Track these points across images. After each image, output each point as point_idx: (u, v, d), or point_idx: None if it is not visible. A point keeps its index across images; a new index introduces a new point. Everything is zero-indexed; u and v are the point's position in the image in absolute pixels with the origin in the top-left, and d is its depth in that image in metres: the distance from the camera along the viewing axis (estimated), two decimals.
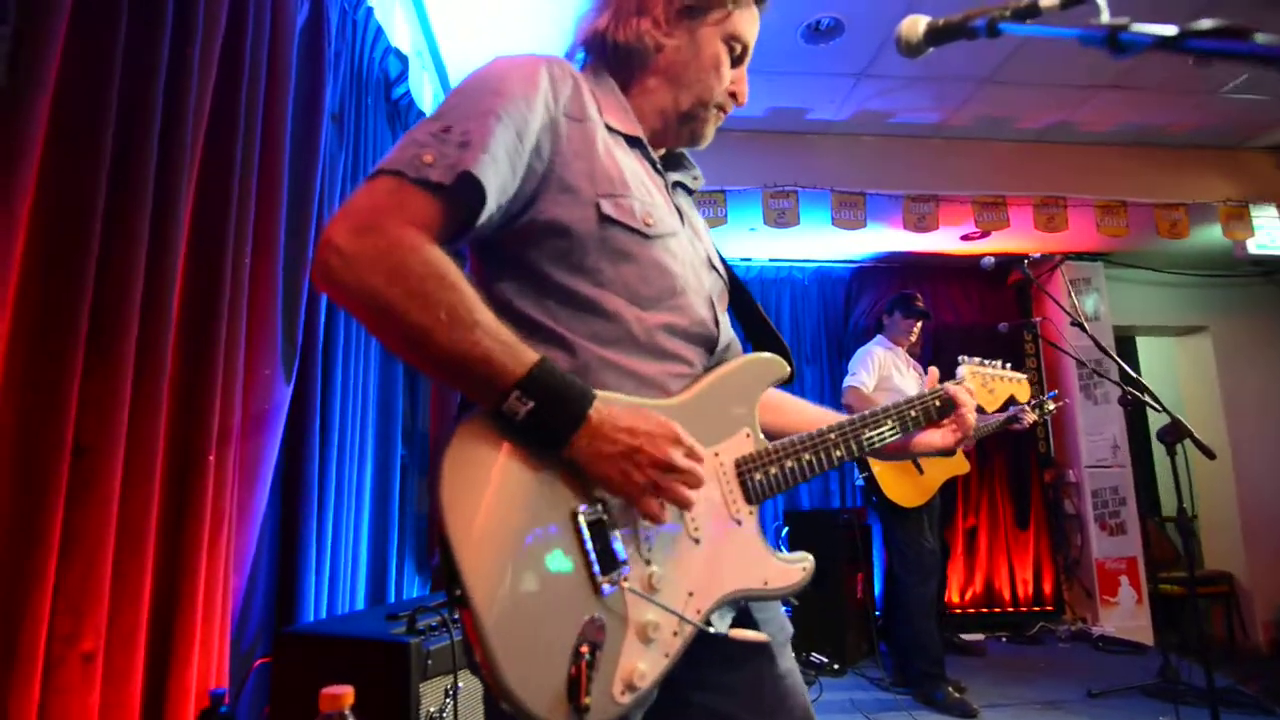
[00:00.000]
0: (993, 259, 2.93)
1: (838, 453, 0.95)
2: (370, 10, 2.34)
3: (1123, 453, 4.88)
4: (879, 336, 3.75)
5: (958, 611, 4.74)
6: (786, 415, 1.05)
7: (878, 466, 3.36)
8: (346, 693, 0.83)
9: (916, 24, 0.76)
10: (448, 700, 1.54)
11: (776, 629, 0.94)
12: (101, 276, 1.12)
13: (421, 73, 3.07)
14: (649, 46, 0.95)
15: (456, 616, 0.72)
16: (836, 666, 3.67)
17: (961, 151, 4.26)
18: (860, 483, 3.52)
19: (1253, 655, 4.72)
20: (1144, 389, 2.57)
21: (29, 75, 1.01)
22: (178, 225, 1.30)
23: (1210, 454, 2.29)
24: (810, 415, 1.06)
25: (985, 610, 4.79)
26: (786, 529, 4.19)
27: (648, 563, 0.79)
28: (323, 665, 1.51)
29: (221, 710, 1.35)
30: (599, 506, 0.77)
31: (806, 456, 0.93)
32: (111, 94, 1.14)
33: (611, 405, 0.77)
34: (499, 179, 0.77)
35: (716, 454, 0.88)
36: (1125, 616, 4.63)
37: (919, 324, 3.70)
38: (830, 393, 4.95)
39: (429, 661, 1.49)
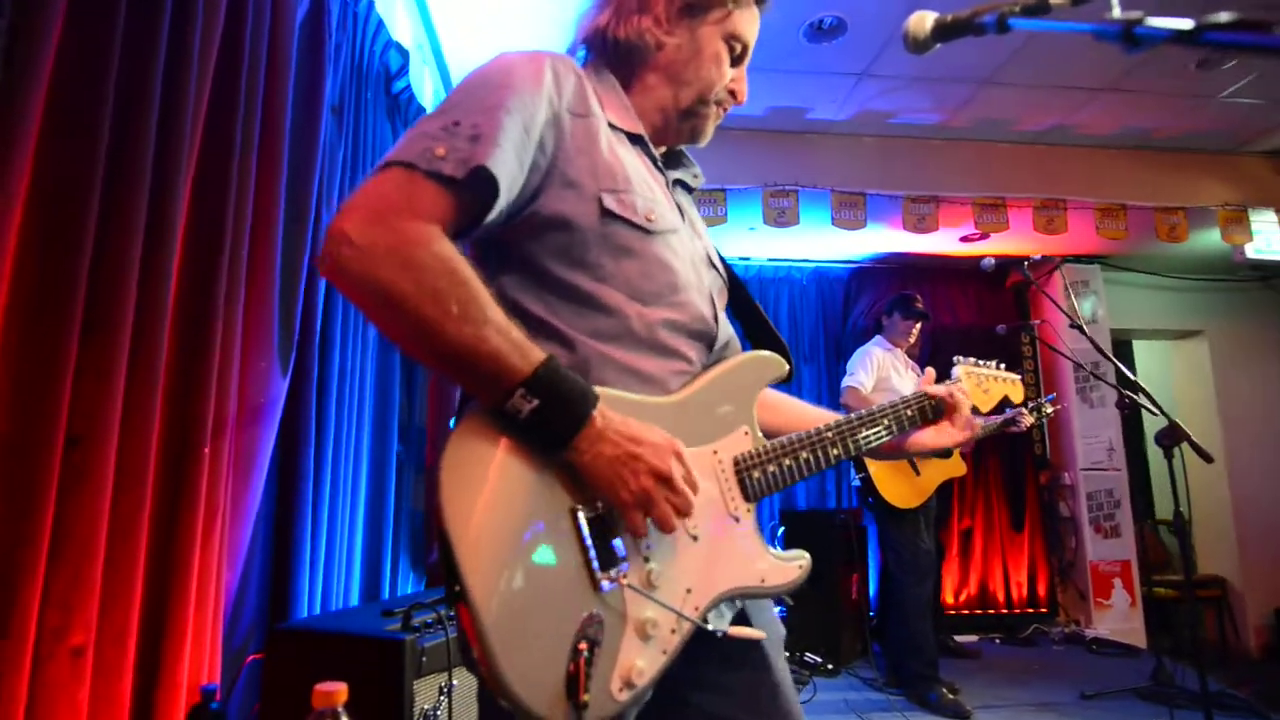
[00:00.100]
0: (993, 260, 2.93)
1: (835, 451, 0.95)
2: (371, 3, 2.33)
3: (1118, 456, 4.89)
4: (878, 337, 3.75)
5: (952, 613, 4.75)
6: (784, 414, 1.06)
7: (874, 467, 3.35)
8: (340, 690, 0.82)
9: (924, 20, 0.75)
10: (442, 698, 1.53)
11: (769, 631, 0.93)
12: (96, 266, 1.11)
13: (422, 68, 3.06)
14: (649, 44, 0.95)
15: (453, 613, 0.71)
16: (830, 667, 3.68)
17: (962, 153, 4.25)
18: (857, 483, 3.52)
19: (1244, 659, 4.74)
20: (1142, 392, 2.57)
21: (24, 66, 0.99)
22: (175, 216, 1.29)
23: (1208, 457, 2.29)
24: (808, 415, 1.06)
25: (979, 612, 4.81)
26: (783, 529, 4.19)
27: (646, 559, 0.79)
28: (316, 662, 1.50)
29: (213, 706, 1.34)
30: (598, 504, 0.77)
31: (804, 455, 0.93)
32: (109, 85, 1.12)
33: (617, 409, 0.77)
34: (509, 174, 0.77)
35: (715, 451, 0.87)
36: (1119, 619, 4.65)
37: (918, 325, 3.70)
38: (828, 392, 4.95)
39: (424, 659, 1.48)
